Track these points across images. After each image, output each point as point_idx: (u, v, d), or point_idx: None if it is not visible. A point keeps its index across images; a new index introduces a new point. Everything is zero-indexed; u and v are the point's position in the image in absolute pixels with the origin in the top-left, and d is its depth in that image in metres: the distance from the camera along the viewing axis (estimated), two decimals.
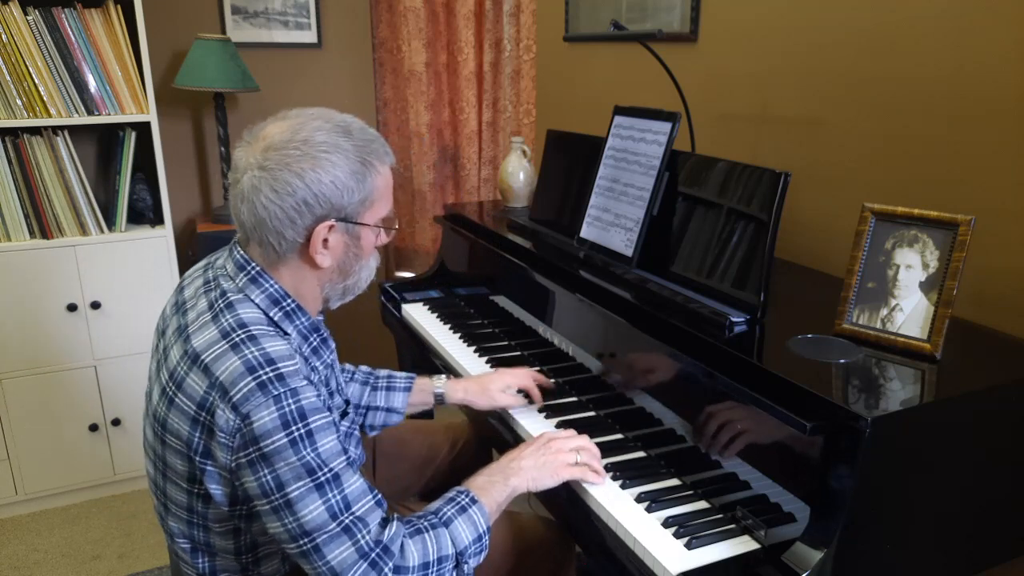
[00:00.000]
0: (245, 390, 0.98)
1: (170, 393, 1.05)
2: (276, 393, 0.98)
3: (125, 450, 2.55)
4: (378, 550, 1.01)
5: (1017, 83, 1.29)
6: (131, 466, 2.58)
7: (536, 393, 1.48)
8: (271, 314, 1.08)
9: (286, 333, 1.09)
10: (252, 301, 1.07)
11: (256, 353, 1.00)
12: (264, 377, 0.99)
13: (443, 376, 1.53)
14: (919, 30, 1.43)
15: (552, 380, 1.52)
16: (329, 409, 1.06)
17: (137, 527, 2.42)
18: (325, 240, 1.08)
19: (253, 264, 1.10)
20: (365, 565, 1.00)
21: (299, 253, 1.09)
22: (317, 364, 1.16)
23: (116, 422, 2.51)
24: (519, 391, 1.49)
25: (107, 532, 2.40)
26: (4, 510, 2.48)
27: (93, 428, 2.49)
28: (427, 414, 2.19)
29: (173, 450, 1.06)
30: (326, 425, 1.02)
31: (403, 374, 1.52)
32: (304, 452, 0.98)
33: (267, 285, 1.09)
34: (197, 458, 1.03)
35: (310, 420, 1.00)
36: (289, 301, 1.11)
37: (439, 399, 1.51)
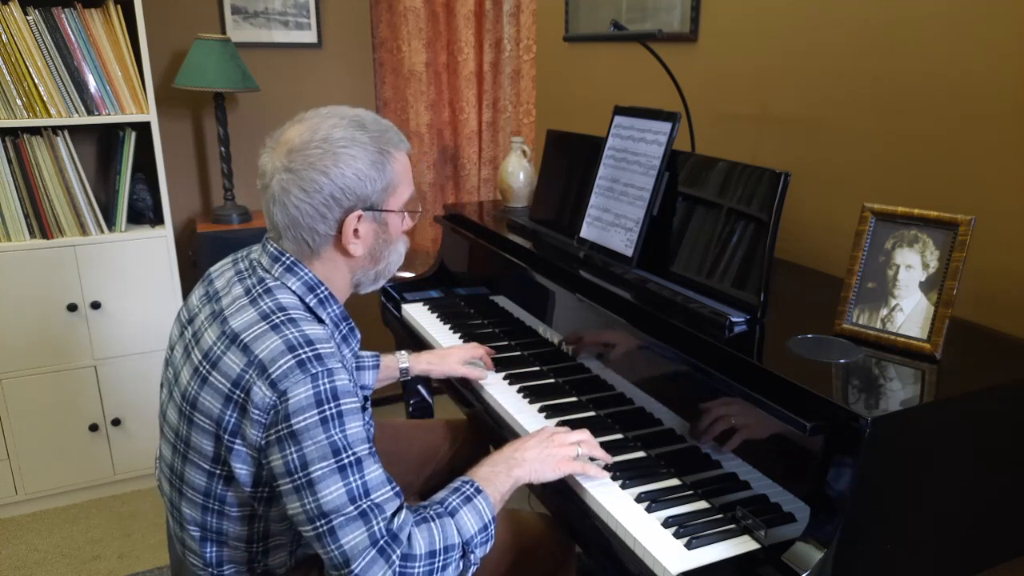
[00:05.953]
0: (285, 367, 1.01)
1: (204, 372, 1.08)
2: (314, 371, 1.02)
3: (125, 450, 2.56)
4: (387, 538, 1.02)
5: (1018, 83, 1.29)
6: (131, 466, 2.58)
7: (488, 362, 1.65)
8: (307, 300, 1.13)
9: (320, 320, 1.13)
10: (289, 288, 1.13)
11: (296, 333, 1.04)
12: (303, 356, 1.02)
13: (404, 352, 1.64)
14: (919, 30, 1.43)
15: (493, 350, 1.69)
16: (356, 396, 1.09)
17: (137, 527, 2.42)
18: (356, 230, 1.14)
19: (288, 255, 1.15)
20: (375, 552, 1.01)
21: (333, 245, 1.15)
22: (346, 352, 1.20)
23: (116, 422, 2.51)
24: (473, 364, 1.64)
25: (107, 532, 2.40)
26: (4, 510, 2.48)
27: (93, 428, 2.49)
28: (427, 412, 2.20)
29: (200, 429, 1.08)
30: (355, 409, 1.05)
31: (369, 353, 1.59)
32: (332, 432, 1.01)
33: (302, 273, 1.14)
34: (225, 437, 1.05)
35: (342, 401, 1.03)
36: (323, 288, 1.16)
37: (404, 373, 1.62)
